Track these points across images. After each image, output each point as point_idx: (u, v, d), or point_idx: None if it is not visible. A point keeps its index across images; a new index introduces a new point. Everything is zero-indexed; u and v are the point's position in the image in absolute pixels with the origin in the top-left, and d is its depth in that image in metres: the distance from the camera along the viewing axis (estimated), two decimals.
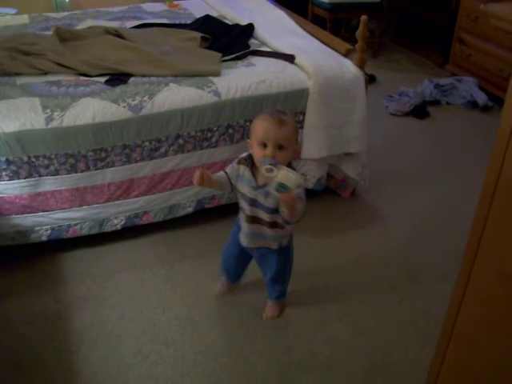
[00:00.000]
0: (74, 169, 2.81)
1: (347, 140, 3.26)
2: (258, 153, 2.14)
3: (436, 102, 5.04)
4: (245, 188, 2.27)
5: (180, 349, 2.50)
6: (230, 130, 3.04)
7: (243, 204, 2.33)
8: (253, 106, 3.04)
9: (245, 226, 2.38)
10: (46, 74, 3.09)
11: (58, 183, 2.82)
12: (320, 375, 2.39)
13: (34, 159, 2.73)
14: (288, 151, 2.15)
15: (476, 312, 1.54)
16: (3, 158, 2.68)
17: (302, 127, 3.18)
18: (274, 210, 2.23)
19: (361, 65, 3.28)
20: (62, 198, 2.87)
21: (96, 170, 2.86)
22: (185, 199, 3.12)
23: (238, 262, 2.63)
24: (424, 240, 3.25)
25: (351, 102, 3.21)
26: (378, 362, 2.45)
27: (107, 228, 3.05)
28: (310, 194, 3.39)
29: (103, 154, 2.84)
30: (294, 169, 2.11)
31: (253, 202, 2.27)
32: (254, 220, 2.32)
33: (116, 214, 3.02)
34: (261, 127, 2.14)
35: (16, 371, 2.39)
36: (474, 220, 1.50)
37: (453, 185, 3.80)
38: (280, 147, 2.11)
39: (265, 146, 2.11)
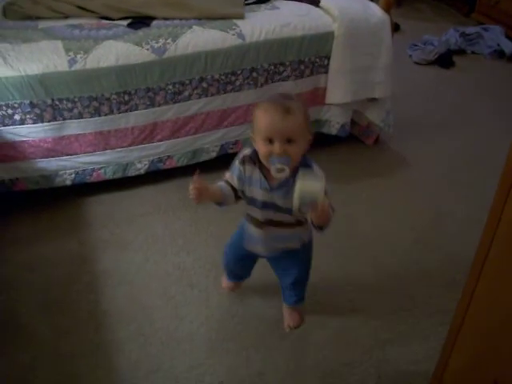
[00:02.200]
0: (97, 112, 2.80)
1: (372, 85, 3.22)
2: (263, 150, 1.76)
3: (461, 51, 4.95)
4: (256, 191, 1.90)
5: (204, 290, 2.51)
6: (254, 74, 3.00)
7: (253, 210, 1.97)
8: (277, 49, 2.99)
9: (258, 232, 2.02)
10: (67, 17, 3.06)
11: (82, 127, 2.81)
12: None
13: (57, 102, 2.72)
14: (300, 144, 1.76)
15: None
16: (27, 101, 2.67)
17: (326, 72, 3.14)
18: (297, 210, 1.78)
19: (387, 8, 3.20)
20: (86, 142, 2.86)
21: (119, 113, 2.84)
22: (208, 144, 3.11)
23: (243, 265, 2.34)
24: (448, 187, 3.21)
25: (377, 46, 3.15)
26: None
27: (131, 172, 3.04)
28: (334, 140, 3.40)
29: (126, 97, 2.82)
30: (308, 165, 1.82)
31: (266, 205, 1.91)
32: (269, 223, 1.97)
33: (139, 158, 3.02)
34: (263, 119, 1.75)
35: (43, 310, 2.42)
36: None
37: (478, 134, 3.75)
38: (289, 141, 1.73)
39: (271, 141, 1.73)
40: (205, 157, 3.14)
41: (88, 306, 2.44)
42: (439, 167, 3.38)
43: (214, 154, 3.16)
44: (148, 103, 2.87)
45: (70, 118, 2.77)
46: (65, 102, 2.73)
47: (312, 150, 3.33)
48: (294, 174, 1.74)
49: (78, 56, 2.70)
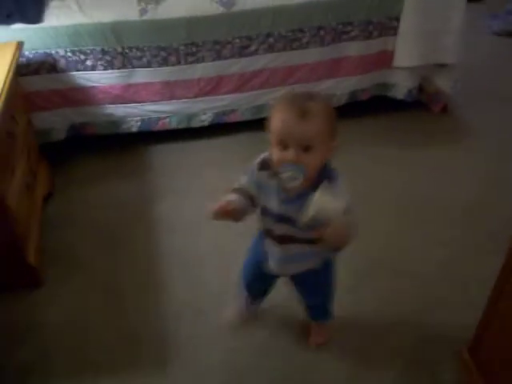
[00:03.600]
0: (165, 62, 2.88)
1: (441, 50, 3.17)
2: (276, 155, 1.49)
3: None
4: (272, 201, 1.63)
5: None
6: (321, 32, 3.01)
7: (267, 222, 1.70)
8: (346, 7, 2.98)
9: (272, 249, 1.76)
10: None
11: (150, 75, 2.91)
12: None
13: (127, 50, 2.82)
14: (317, 153, 1.47)
15: None
16: (99, 48, 2.79)
17: (395, 34, 3.11)
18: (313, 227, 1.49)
19: None
20: (153, 91, 2.96)
21: (186, 64, 2.92)
22: (272, 100, 3.14)
23: (262, 283, 2.05)
24: None
25: (448, 9, 3.09)
26: None
27: (195, 123, 3.13)
28: (400, 105, 3.38)
29: (194, 49, 2.88)
30: (331, 177, 1.54)
31: (282, 219, 1.63)
32: (285, 240, 1.70)
33: (204, 109, 3.09)
34: (276, 121, 1.48)
35: (100, 246, 2.56)
36: None
37: None
38: (306, 148, 1.45)
39: (285, 147, 1.46)
40: (268, 113, 3.18)
41: (143, 246, 2.56)
42: (505, 139, 3.31)
43: None
44: (215, 56, 2.93)
45: (139, 67, 2.87)
46: (134, 50, 2.82)
47: (374, 115, 3.37)
48: (313, 186, 1.48)
49: (149, 6, 2.79)
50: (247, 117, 3.16)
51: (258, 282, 2.03)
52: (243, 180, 1.68)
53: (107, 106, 2.95)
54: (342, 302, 2.11)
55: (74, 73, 2.83)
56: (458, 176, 3.00)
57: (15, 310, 2.25)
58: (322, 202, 1.41)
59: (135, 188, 2.90)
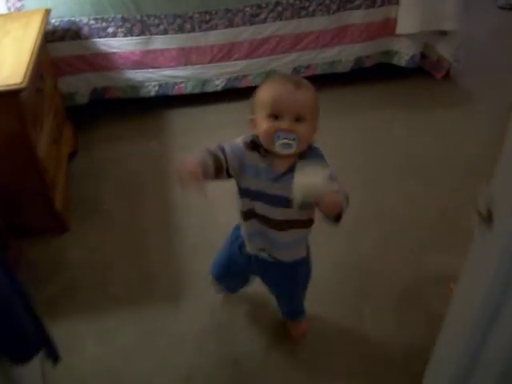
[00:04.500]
0: (181, 29, 3.09)
1: (442, 16, 3.32)
2: (267, 126, 1.47)
3: None
4: (263, 183, 1.57)
5: None
6: (327, 1, 3.20)
7: (259, 206, 1.63)
8: None
9: (262, 228, 1.67)
10: None
11: (167, 42, 3.12)
12: None
13: (145, 18, 3.03)
14: (309, 124, 1.48)
15: None
16: (119, 16, 3.00)
17: (397, 3, 3.29)
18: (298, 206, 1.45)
19: None
20: (170, 57, 3.17)
21: (201, 31, 3.13)
22: (281, 66, 3.35)
23: (234, 280, 2.09)
24: None
25: None
26: None
27: (209, 88, 3.34)
28: (403, 72, 3.55)
29: (207, 17, 3.09)
30: (318, 155, 1.56)
31: (276, 200, 1.57)
32: (281, 224, 1.63)
33: (218, 75, 3.31)
34: (271, 92, 1.48)
35: (125, 196, 2.79)
36: None
37: None
38: (298, 119, 1.46)
39: (276, 117, 1.46)
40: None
41: (161, 194, 2.79)
42: (505, 105, 3.45)
43: None
44: (227, 23, 3.14)
45: (157, 34, 3.09)
46: (152, 18, 3.04)
47: (380, 82, 3.55)
48: (301, 159, 1.52)
49: None
50: (258, 82, 3.35)
51: (230, 278, 2.05)
52: (227, 149, 1.56)
53: (127, 71, 3.17)
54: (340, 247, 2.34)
55: (97, 39, 3.04)
56: (459, 138, 3.17)
57: (43, 252, 2.48)
58: (305, 183, 1.37)
59: (154, 146, 3.13)
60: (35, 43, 2.43)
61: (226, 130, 3.16)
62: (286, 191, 1.45)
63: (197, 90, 3.33)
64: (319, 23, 3.26)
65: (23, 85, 2.11)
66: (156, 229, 2.60)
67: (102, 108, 3.34)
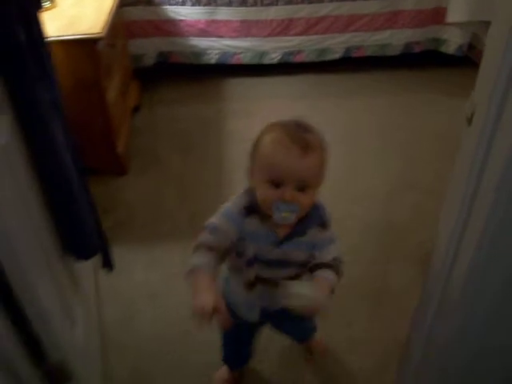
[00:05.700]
0: (244, 2, 3.36)
1: (492, 7, 3.41)
2: (266, 194, 1.27)
3: None
4: (263, 248, 1.37)
5: None
6: None
7: (258, 270, 1.42)
8: None
9: (243, 294, 1.49)
10: None
11: (230, 14, 3.39)
12: None
13: None
14: (313, 192, 1.28)
15: None
16: None
17: None
18: (303, 264, 1.40)
19: None
20: (232, 28, 3.44)
21: (262, 6, 3.38)
22: (334, 45, 3.58)
23: (242, 342, 1.78)
24: None
25: None
26: None
27: (265, 60, 3.60)
28: (451, 60, 3.72)
29: None
30: (321, 216, 1.38)
31: (274, 263, 1.40)
32: (259, 282, 1.45)
33: (274, 48, 3.56)
34: (272, 155, 1.25)
35: (180, 150, 3.06)
36: None
37: None
38: (302, 187, 1.24)
39: (277, 185, 1.24)
40: (330, 56, 3.62)
41: (214, 151, 3.04)
42: None
43: (337, 55, 3.64)
44: (287, 0, 3.38)
45: (222, 5, 3.35)
46: None
47: (428, 69, 3.72)
48: (303, 222, 1.33)
49: None
50: (311, 58, 3.60)
51: (245, 342, 1.78)
52: (220, 226, 1.34)
53: (192, 38, 3.45)
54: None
55: (167, 7, 3.33)
56: None
57: (103, 190, 2.75)
58: (302, 296, 1.24)
59: (212, 109, 3.39)
60: (113, 4, 2.72)
61: (277, 100, 3.44)
62: (288, 256, 1.37)
63: (254, 62, 3.59)
64: (372, 6, 3.47)
65: (101, 35, 2.40)
66: (206, 180, 2.84)
67: (165, 72, 3.64)
